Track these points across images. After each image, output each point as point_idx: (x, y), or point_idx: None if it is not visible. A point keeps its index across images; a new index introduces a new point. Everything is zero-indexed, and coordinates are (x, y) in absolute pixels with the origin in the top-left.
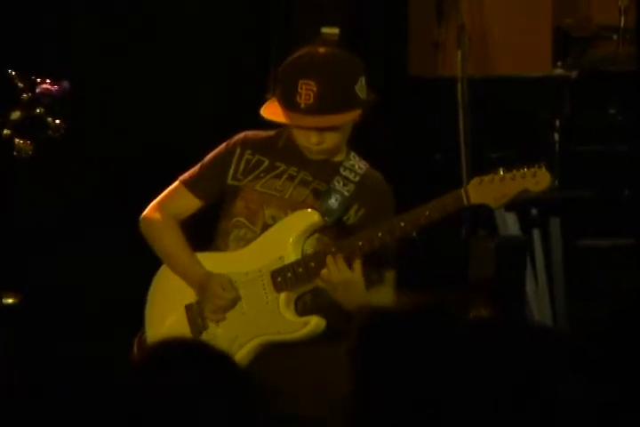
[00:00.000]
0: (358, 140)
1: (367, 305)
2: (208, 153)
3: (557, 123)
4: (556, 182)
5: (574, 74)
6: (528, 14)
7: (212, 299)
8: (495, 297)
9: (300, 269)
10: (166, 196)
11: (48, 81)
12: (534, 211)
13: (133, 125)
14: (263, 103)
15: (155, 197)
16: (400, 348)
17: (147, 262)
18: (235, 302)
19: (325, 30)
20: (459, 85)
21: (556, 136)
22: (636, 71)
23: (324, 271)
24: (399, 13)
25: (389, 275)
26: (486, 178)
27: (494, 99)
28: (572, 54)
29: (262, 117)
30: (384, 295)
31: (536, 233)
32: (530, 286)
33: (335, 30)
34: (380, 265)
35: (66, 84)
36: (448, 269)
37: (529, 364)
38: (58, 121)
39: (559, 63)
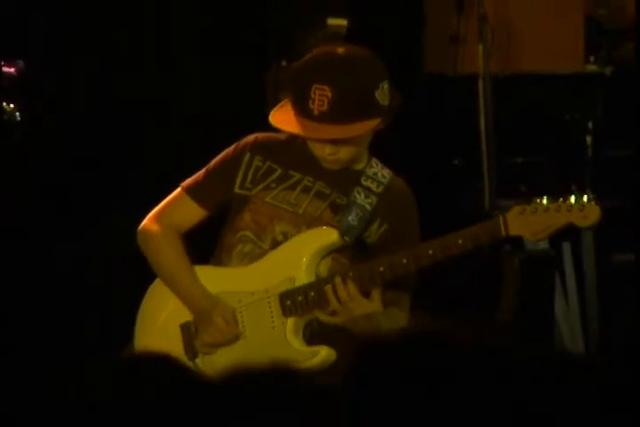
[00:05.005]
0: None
1: (377, 332)
2: (193, 156)
3: (590, 125)
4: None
5: (608, 70)
6: (557, 4)
7: (211, 332)
8: (520, 320)
9: (313, 293)
10: (167, 204)
11: (2, 62)
12: None
13: (116, 123)
14: (265, 102)
15: (135, 203)
16: (394, 383)
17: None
18: (236, 339)
19: (332, 22)
20: (480, 83)
21: (589, 139)
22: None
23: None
24: (414, 3)
25: (406, 298)
26: (529, 208)
27: (519, 98)
28: (605, 48)
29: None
30: (397, 320)
31: (566, 247)
32: (559, 307)
33: (343, 22)
34: (397, 285)
35: (21, 63)
36: (466, 289)
37: (541, 406)
38: (12, 105)
39: (592, 58)
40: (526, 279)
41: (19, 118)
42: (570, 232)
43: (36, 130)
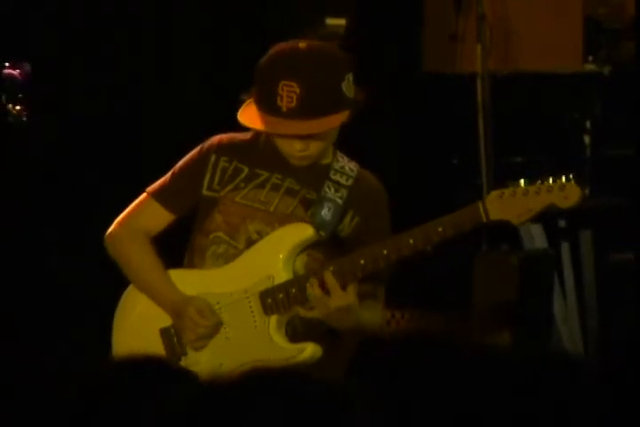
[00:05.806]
0: (363, 144)
1: (359, 327)
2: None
3: (588, 124)
4: (587, 191)
5: (607, 70)
6: (556, 3)
7: (190, 327)
8: (518, 320)
9: (294, 290)
10: (133, 210)
11: (8, 64)
12: (562, 222)
13: (116, 124)
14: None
15: (120, 204)
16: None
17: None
18: (217, 328)
19: (330, 21)
20: (478, 83)
21: (587, 139)
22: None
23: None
24: (413, 3)
25: (381, 289)
26: (507, 191)
27: (518, 98)
28: (604, 48)
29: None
30: (375, 312)
31: (565, 247)
32: (558, 307)
33: (341, 21)
34: (372, 278)
35: (27, 66)
36: (464, 288)
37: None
38: (18, 107)
39: (590, 58)
40: (525, 279)
41: (25, 119)
42: (568, 232)
43: (41, 131)
